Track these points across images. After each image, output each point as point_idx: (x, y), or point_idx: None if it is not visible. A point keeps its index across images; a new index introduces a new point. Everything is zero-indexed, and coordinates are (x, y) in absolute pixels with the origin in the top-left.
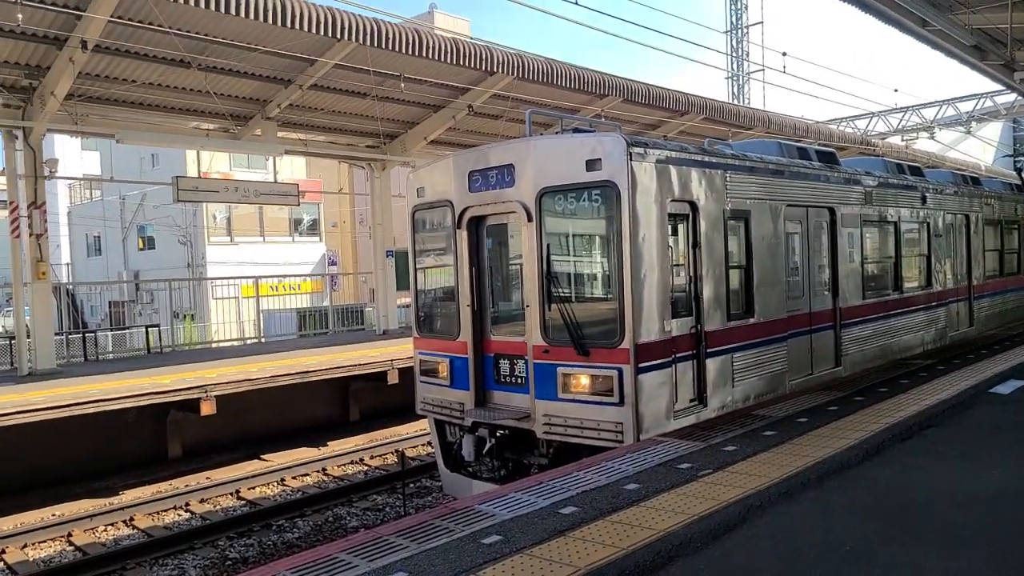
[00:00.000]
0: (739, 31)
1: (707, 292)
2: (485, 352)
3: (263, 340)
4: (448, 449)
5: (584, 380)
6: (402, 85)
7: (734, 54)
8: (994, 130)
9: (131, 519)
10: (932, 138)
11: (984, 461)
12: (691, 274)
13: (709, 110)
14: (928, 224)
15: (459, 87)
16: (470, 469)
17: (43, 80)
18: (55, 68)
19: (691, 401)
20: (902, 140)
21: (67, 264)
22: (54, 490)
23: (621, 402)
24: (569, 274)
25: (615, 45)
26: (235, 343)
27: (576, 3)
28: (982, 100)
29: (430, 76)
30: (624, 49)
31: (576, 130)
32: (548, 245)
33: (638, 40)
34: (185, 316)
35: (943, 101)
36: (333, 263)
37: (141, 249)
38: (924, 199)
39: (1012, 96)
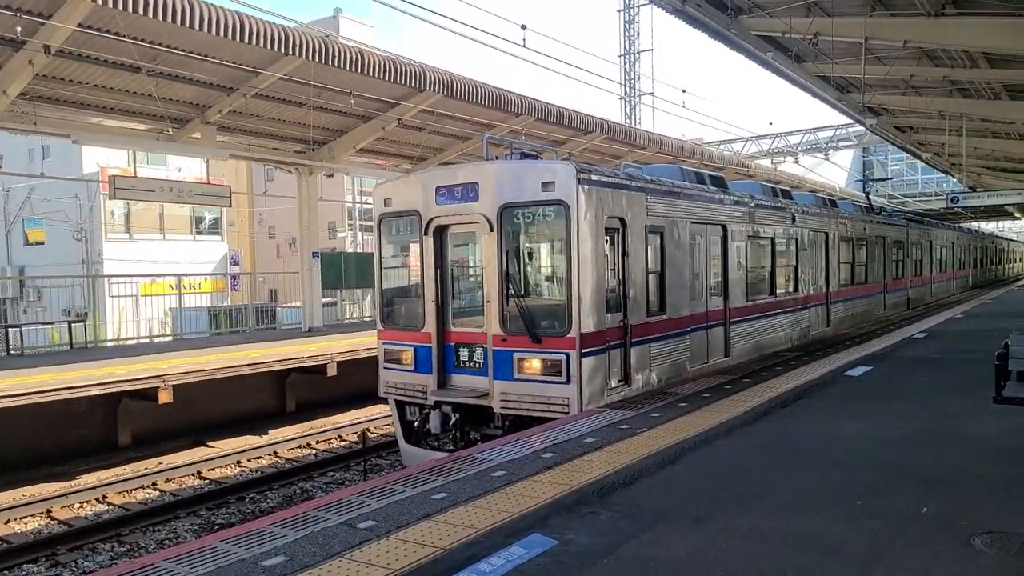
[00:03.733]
0: (631, 55)
1: (632, 292)
2: (446, 341)
3: (183, 336)
4: (408, 427)
5: (536, 363)
6: (352, 102)
7: (627, 78)
8: (847, 156)
9: (104, 497)
10: (796, 162)
11: (841, 418)
12: (620, 277)
13: (610, 131)
14: (796, 240)
15: (390, 101)
16: (430, 443)
17: None
18: (9, 67)
19: (619, 381)
20: (771, 163)
21: None
22: (12, 474)
23: (568, 381)
24: (524, 275)
25: (517, 65)
26: (143, 340)
27: (524, 45)
28: (838, 130)
29: (365, 90)
30: (526, 69)
31: (523, 154)
32: (507, 251)
33: (543, 65)
34: (83, 314)
35: (806, 130)
36: (235, 263)
37: (28, 244)
38: (794, 219)
39: (863, 128)
